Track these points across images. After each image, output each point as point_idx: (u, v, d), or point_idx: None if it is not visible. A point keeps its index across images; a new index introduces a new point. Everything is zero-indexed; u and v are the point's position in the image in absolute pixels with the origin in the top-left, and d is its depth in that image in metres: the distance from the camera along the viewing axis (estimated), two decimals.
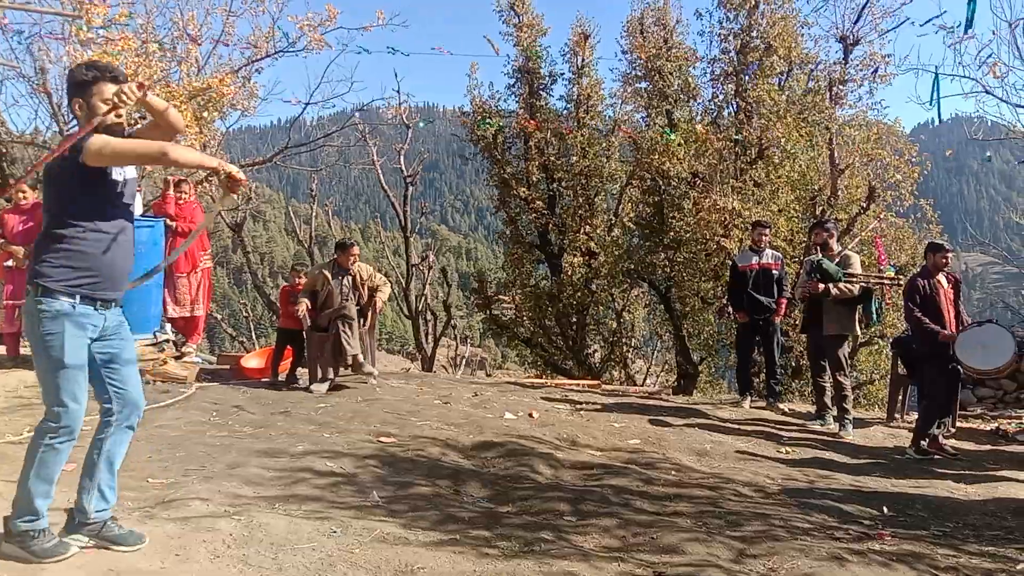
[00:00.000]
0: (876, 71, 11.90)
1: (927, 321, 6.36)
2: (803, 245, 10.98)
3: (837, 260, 7.26)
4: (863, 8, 11.63)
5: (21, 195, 7.83)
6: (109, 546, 3.11)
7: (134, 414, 3.28)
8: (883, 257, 9.97)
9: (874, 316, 7.37)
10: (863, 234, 8.68)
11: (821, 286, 7.06)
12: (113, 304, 3.36)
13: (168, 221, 8.08)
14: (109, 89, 3.07)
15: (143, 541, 3.16)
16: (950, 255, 6.67)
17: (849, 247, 7.68)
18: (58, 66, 11.00)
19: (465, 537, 3.62)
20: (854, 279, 7.19)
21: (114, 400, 3.22)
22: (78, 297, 3.10)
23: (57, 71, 11.29)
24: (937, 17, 8.39)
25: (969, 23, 7.75)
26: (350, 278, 7.89)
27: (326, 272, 7.79)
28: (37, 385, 6.80)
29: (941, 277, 6.60)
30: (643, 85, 13.94)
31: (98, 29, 9.04)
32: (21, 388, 6.75)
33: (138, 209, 8.00)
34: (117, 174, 3.19)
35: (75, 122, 3.27)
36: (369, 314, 7.90)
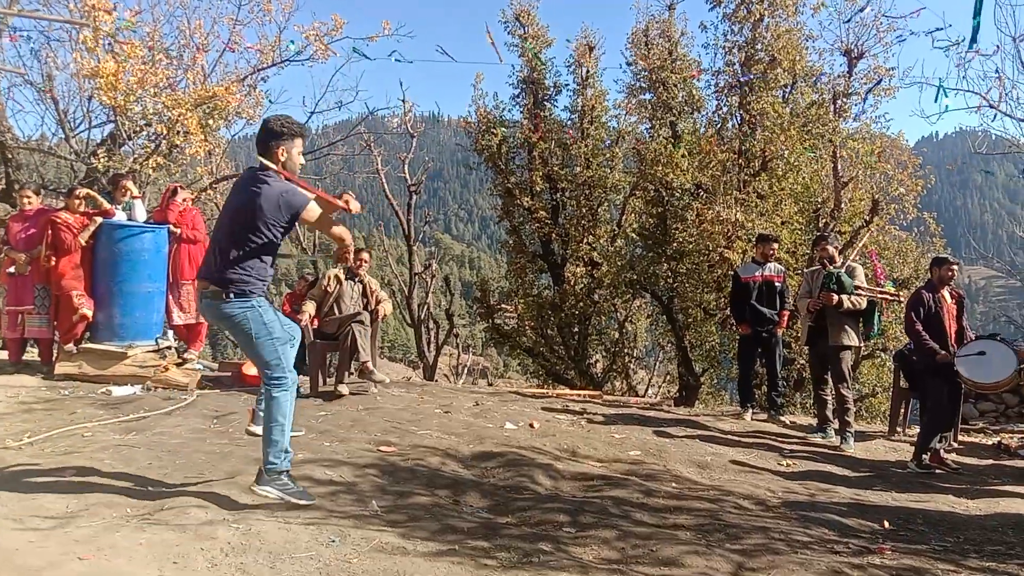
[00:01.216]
0: (879, 84, 11.92)
1: (927, 337, 6.35)
2: (806, 257, 10.98)
3: (844, 272, 7.28)
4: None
5: (27, 201, 7.87)
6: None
7: None
8: (879, 270, 9.97)
9: (875, 328, 7.38)
10: (859, 244, 8.67)
11: (835, 297, 7.07)
12: None
13: (172, 228, 8.11)
14: (300, 143, 4.08)
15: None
16: (955, 267, 6.66)
17: (850, 259, 7.68)
18: (65, 72, 11.08)
19: (464, 547, 3.61)
20: (861, 292, 7.23)
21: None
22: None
23: (64, 78, 11.37)
24: (940, 30, 8.42)
25: (974, 39, 7.78)
26: (360, 286, 8.00)
27: (339, 274, 7.90)
28: (38, 389, 6.84)
29: (945, 292, 6.60)
30: (647, 96, 13.98)
31: (106, 39, 9.09)
32: (23, 393, 6.75)
33: (142, 216, 8.03)
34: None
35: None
36: (372, 323, 7.95)
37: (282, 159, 3.99)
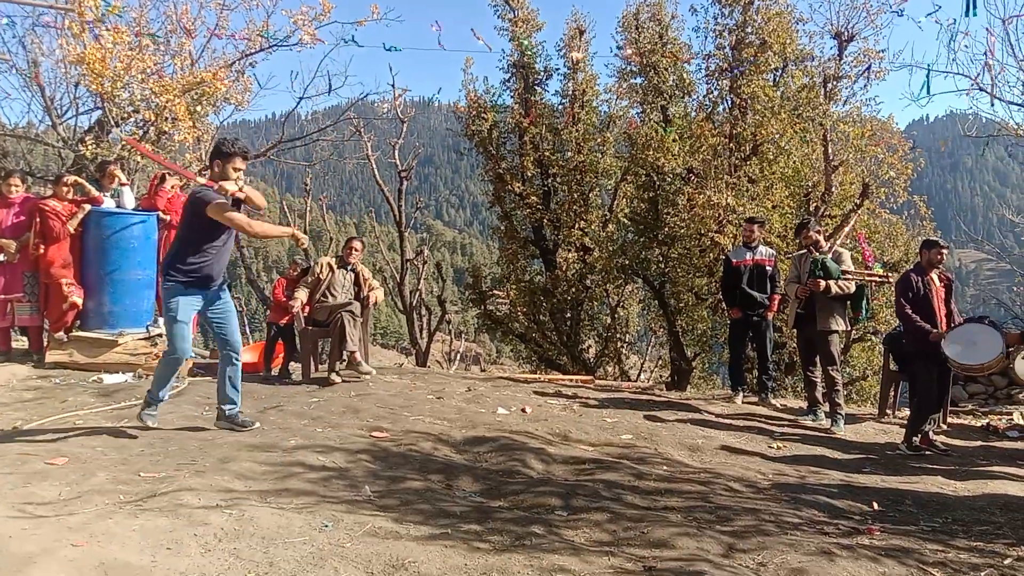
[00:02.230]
0: (870, 67, 11.91)
1: (918, 319, 6.39)
2: (797, 242, 11.01)
3: (831, 257, 7.31)
4: None
5: (14, 188, 7.81)
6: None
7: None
8: (867, 252, 10.01)
9: (864, 311, 7.42)
10: (847, 228, 8.71)
11: (823, 284, 7.10)
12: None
13: (161, 215, 8.07)
14: (240, 162, 5.02)
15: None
16: (944, 251, 6.69)
17: (837, 243, 7.72)
18: (51, 59, 10.96)
19: (456, 531, 3.63)
20: (849, 276, 7.27)
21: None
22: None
23: (50, 64, 11.25)
24: (934, 13, 8.41)
25: (973, 8, 7.76)
26: (353, 274, 8.03)
27: (332, 263, 7.96)
28: (29, 378, 6.81)
29: (934, 275, 6.62)
30: (638, 80, 13.94)
31: (90, 23, 8.99)
32: (13, 381, 6.73)
33: (130, 203, 7.99)
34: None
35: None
36: (363, 310, 7.96)
37: (216, 171, 5.02)
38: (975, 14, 7.91)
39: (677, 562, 3.41)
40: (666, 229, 12.31)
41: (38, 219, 7.52)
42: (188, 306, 5.06)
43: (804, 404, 8.07)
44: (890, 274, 8.29)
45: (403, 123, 16.88)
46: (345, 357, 7.64)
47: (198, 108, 10.30)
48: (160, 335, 8.07)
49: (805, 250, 7.54)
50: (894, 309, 6.73)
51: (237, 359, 5.39)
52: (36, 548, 3.00)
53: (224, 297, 5.28)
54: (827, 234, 8.24)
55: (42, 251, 7.51)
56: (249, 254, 18.20)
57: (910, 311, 6.42)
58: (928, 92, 8.51)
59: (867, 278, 7.68)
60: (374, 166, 16.72)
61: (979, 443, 7.05)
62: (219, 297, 5.23)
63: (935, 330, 6.33)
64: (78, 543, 3.09)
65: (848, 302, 7.36)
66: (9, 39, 11.01)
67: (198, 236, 5.00)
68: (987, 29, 8.32)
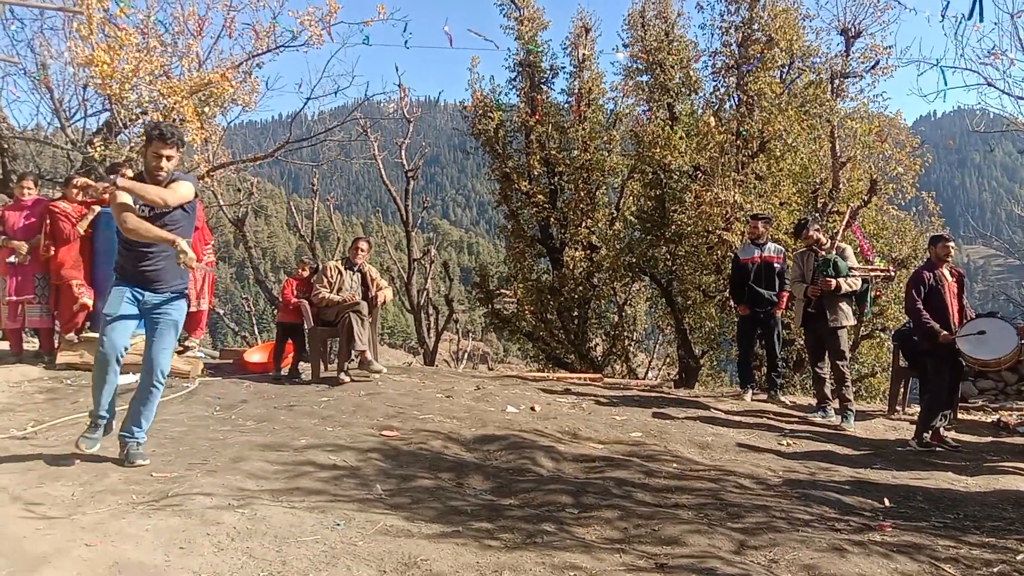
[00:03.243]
0: (877, 63, 11.87)
1: (927, 317, 6.35)
2: (799, 243, 10.99)
3: (835, 253, 7.30)
4: None
5: (27, 191, 7.85)
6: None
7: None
8: (864, 244, 9.98)
9: (868, 305, 7.43)
10: (843, 224, 8.67)
11: (834, 283, 7.09)
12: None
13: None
14: (159, 145, 4.33)
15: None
16: (951, 245, 6.66)
17: (838, 238, 7.69)
18: (59, 61, 11.00)
19: (468, 529, 3.64)
20: (855, 271, 7.26)
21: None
22: None
23: (58, 67, 11.29)
24: (946, 7, 8.37)
25: (980, 11, 7.73)
26: (360, 275, 8.06)
27: (339, 264, 8.00)
28: (40, 379, 6.84)
29: (945, 270, 6.60)
30: (644, 78, 13.91)
31: (100, 27, 9.02)
32: (24, 383, 6.77)
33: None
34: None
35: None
36: (371, 309, 7.99)
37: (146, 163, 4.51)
38: (981, 20, 7.88)
39: (688, 559, 3.42)
40: (673, 227, 12.28)
41: (48, 221, 7.56)
42: (116, 299, 4.43)
43: (813, 401, 8.06)
44: (891, 267, 8.28)
45: (409, 123, 16.90)
46: (354, 356, 7.66)
47: (206, 109, 10.32)
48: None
49: (807, 249, 7.54)
50: (905, 305, 6.69)
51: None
52: (50, 548, 3.02)
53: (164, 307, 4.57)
54: (833, 231, 8.20)
55: (52, 253, 7.54)
56: (257, 254, 18.25)
57: (921, 308, 6.39)
58: (945, 83, 8.45)
59: (871, 273, 7.67)
60: (381, 166, 16.75)
61: (990, 439, 7.03)
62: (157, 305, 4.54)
63: (944, 332, 6.30)
64: (92, 543, 3.11)
65: (854, 297, 7.35)
66: (17, 42, 11.04)
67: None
68: (995, 23, 8.28)
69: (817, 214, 10.29)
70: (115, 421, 4.69)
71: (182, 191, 4.40)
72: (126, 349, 4.48)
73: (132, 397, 4.67)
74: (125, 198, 4.24)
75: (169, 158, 4.36)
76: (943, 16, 8.27)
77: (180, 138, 4.43)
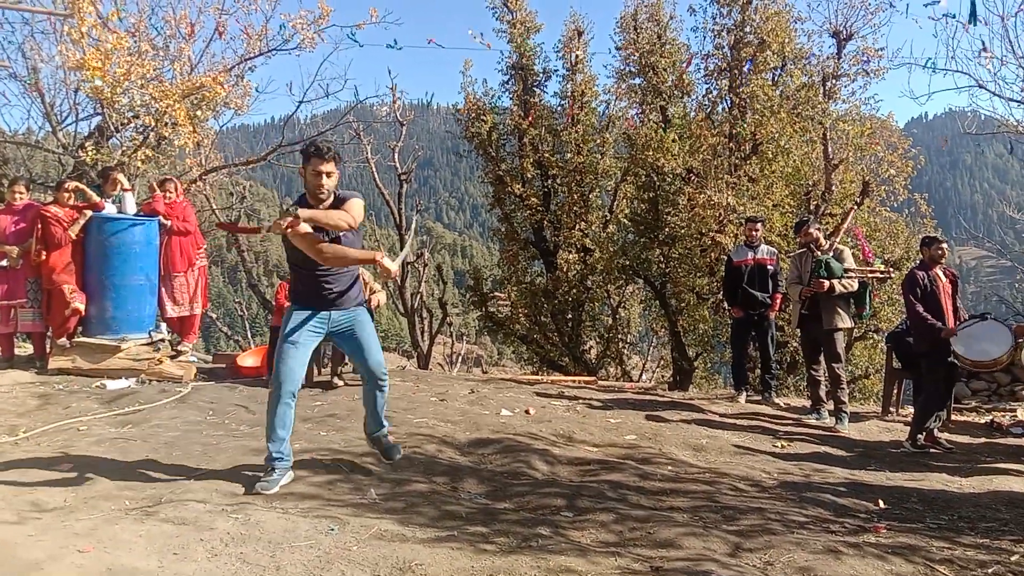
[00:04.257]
0: (868, 62, 11.92)
1: (930, 318, 6.35)
2: (797, 240, 11.02)
3: (831, 255, 7.30)
4: None
5: (18, 196, 7.81)
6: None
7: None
8: (865, 247, 10.01)
9: (867, 308, 7.42)
10: (844, 226, 8.70)
11: (827, 284, 7.09)
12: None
13: (162, 220, 8.07)
14: (313, 163, 4.14)
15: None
16: (944, 246, 6.69)
17: (836, 241, 7.71)
18: (50, 65, 10.96)
19: (462, 533, 3.62)
20: (851, 274, 7.26)
21: None
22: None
23: (49, 71, 11.24)
24: (936, 3, 8.38)
25: (973, 16, 7.76)
26: None
27: None
28: (32, 385, 6.80)
29: (939, 271, 6.62)
30: (637, 81, 13.94)
31: (91, 30, 8.99)
32: (16, 389, 6.73)
33: (132, 209, 7.99)
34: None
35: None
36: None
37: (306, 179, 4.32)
38: (975, 24, 7.90)
39: (684, 562, 3.41)
40: (667, 229, 12.31)
41: (40, 225, 7.52)
42: (298, 324, 4.34)
43: (807, 403, 8.07)
44: (891, 269, 8.29)
45: (402, 126, 16.88)
46: (348, 361, 7.64)
47: (198, 113, 10.29)
48: (162, 340, 8.08)
49: (804, 249, 7.53)
50: (904, 308, 6.70)
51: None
52: (43, 554, 3.00)
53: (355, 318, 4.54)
54: (828, 233, 8.23)
55: (44, 257, 7.50)
56: (250, 258, 18.20)
57: (920, 309, 6.39)
58: (935, 68, 8.44)
59: (869, 274, 7.68)
60: (374, 169, 16.72)
61: (983, 440, 7.05)
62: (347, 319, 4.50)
63: (946, 328, 6.31)
64: (85, 549, 3.09)
65: (852, 299, 7.35)
66: (7, 45, 11.01)
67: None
68: (985, 23, 8.30)
69: (811, 216, 10.30)
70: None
71: (356, 209, 4.22)
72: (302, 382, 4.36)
73: (363, 401, 4.74)
74: (308, 228, 4.05)
75: (329, 174, 4.18)
76: (936, 17, 8.28)
77: (336, 152, 4.25)
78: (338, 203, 4.20)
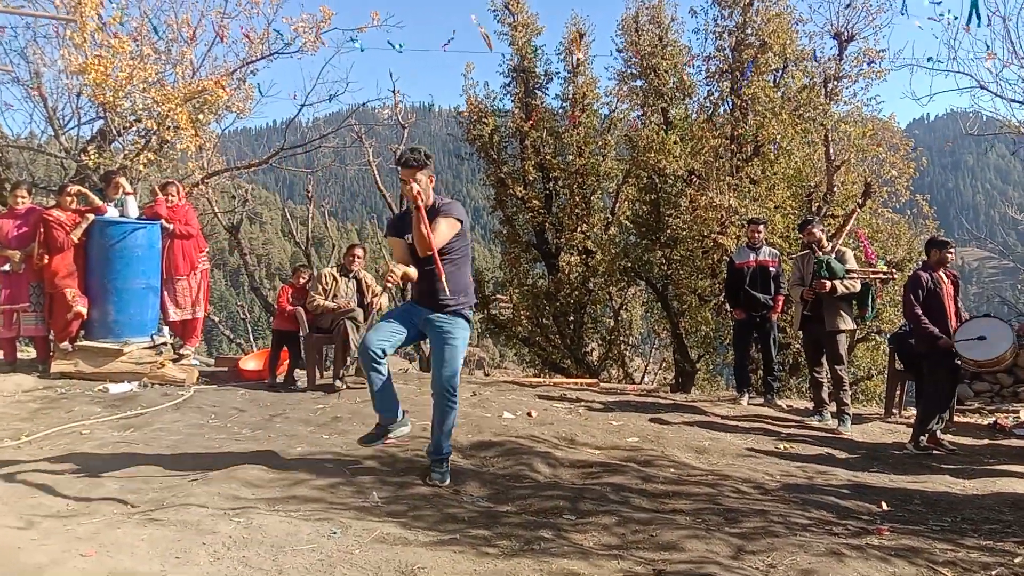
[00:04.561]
0: (871, 63, 11.92)
1: (926, 321, 6.34)
2: (800, 241, 11.01)
3: (835, 256, 7.30)
4: None
5: (21, 200, 7.83)
6: None
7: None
8: (869, 250, 10.00)
9: (871, 310, 7.41)
10: (847, 227, 8.69)
11: (828, 285, 7.08)
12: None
13: (164, 223, 8.07)
14: (401, 174, 4.37)
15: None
16: (952, 250, 6.68)
17: (839, 243, 7.70)
18: (52, 70, 10.99)
19: (465, 536, 3.62)
20: (854, 275, 7.25)
21: None
22: None
23: (52, 75, 11.27)
24: (938, 3, 8.39)
25: (976, 15, 7.76)
26: (355, 282, 8.04)
27: (335, 271, 7.98)
28: (35, 389, 6.81)
29: (942, 273, 6.61)
30: (639, 83, 13.94)
31: (93, 34, 9.01)
32: (19, 393, 6.74)
33: (134, 213, 8.00)
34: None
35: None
36: (368, 316, 7.98)
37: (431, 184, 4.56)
38: (980, 24, 7.91)
39: (686, 564, 3.40)
40: (668, 231, 12.30)
41: (42, 229, 7.53)
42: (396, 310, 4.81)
43: (809, 405, 8.06)
44: (893, 270, 8.28)
45: (404, 129, 16.89)
46: (350, 364, 7.65)
47: (200, 116, 10.30)
48: (165, 344, 8.08)
49: (807, 250, 7.52)
50: (902, 309, 6.69)
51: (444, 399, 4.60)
52: (45, 559, 3.00)
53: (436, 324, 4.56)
54: (830, 234, 8.21)
55: (46, 261, 7.52)
56: (252, 261, 18.21)
57: (919, 312, 6.38)
58: (935, 64, 8.45)
59: (871, 276, 7.67)
60: (376, 172, 16.72)
61: (986, 441, 7.04)
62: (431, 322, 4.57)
63: (944, 337, 6.30)
64: (87, 553, 3.09)
65: (855, 300, 7.33)
66: (10, 51, 11.02)
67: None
68: (988, 25, 8.30)
69: (815, 217, 10.30)
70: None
71: (443, 229, 4.35)
72: (383, 351, 4.40)
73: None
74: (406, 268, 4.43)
75: (418, 181, 4.29)
76: (936, 18, 8.29)
77: (417, 159, 4.35)
78: (434, 212, 4.40)
